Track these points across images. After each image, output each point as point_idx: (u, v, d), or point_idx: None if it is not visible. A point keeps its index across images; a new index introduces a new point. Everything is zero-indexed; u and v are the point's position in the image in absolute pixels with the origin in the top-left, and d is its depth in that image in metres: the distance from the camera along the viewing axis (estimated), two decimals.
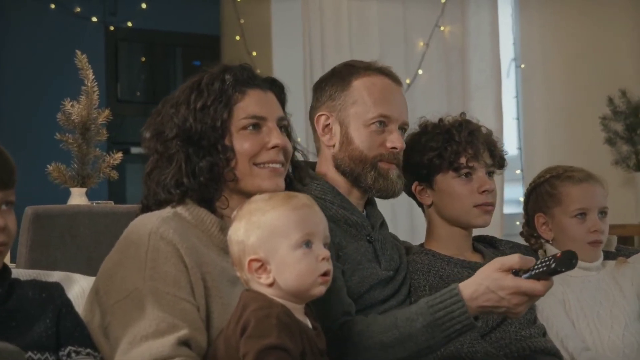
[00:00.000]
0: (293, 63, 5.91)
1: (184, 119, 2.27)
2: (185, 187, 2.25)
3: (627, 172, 4.86)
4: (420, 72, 5.47)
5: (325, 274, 2.07)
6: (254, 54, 6.20)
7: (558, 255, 2.16)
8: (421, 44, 5.63)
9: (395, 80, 2.71)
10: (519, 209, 5.19)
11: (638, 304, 2.95)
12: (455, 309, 2.26)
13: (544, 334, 2.79)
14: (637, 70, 4.93)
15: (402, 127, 2.68)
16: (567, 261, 2.15)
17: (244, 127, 2.29)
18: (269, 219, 2.07)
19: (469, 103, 5.32)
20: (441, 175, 2.80)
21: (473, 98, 5.40)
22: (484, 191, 2.77)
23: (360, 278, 2.55)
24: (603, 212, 3.00)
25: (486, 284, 2.25)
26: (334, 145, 2.66)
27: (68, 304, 2.14)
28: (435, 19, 5.59)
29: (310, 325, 2.10)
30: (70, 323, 2.10)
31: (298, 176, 2.49)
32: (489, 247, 2.95)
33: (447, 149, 2.77)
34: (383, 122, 2.63)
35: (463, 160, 2.78)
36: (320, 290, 2.08)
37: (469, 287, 2.28)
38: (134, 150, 5.83)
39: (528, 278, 2.21)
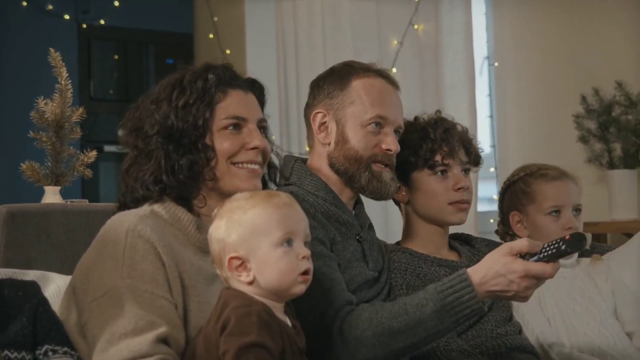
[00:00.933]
0: (267, 61, 5.89)
1: (165, 116, 2.27)
2: (164, 184, 2.25)
3: (600, 170, 4.87)
4: (394, 70, 5.46)
5: (305, 273, 2.07)
6: (228, 52, 6.18)
7: (567, 237, 2.18)
8: (395, 42, 5.62)
9: (393, 83, 2.72)
10: (493, 207, 5.21)
11: (613, 300, 2.97)
12: (465, 294, 2.29)
13: (520, 331, 2.80)
14: (610, 69, 4.94)
15: (397, 130, 2.69)
16: (577, 242, 2.16)
17: (225, 127, 2.30)
18: (250, 217, 2.07)
19: (442, 101, 5.32)
20: (417, 172, 2.81)
21: (447, 96, 5.39)
22: (459, 188, 2.79)
23: (350, 276, 2.55)
24: (577, 210, 3.02)
25: (496, 268, 2.27)
26: (329, 144, 2.66)
27: (44, 302, 2.12)
28: (409, 17, 5.58)
29: (289, 324, 2.10)
30: (47, 321, 2.08)
31: (273, 177, 2.50)
32: (464, 245, 2.96)
33: (423, 146, 2.79)
34: (379, 124, 2.64)
35: (438, 157, 2.79)
36: (300, 288, 2.08)
37: (478, 273, 2.30)
38: (107, 148, 5.81)
39: (537, 261, 2.23)
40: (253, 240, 2.06)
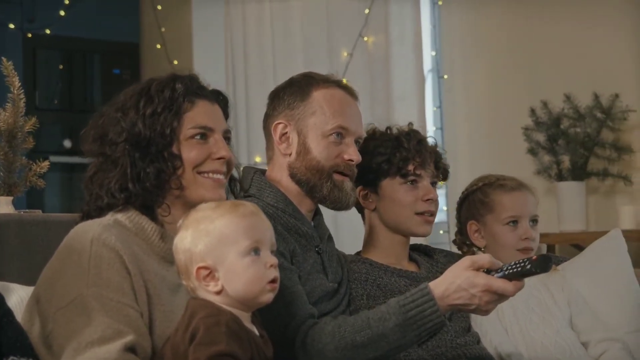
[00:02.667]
0: (215, 72, 5.86)
1: (132, 124, 2.25)
2: (130, 192, 2.23)
3: (548, 182, 4.93)
4: (344, 81, 5.47)
5: (273, 281, 2.08)
6: (175, 62, 6.16)
7: (534, 257, 2.20)
8: (345, 54, 5.64)
9: (352, 94, 2.74)
10: (442, 218, 5.26)
11: (569, 310, 3.00)
12: (427, 308, 2.30)
13: (479, 341, 2.82)
14: (558, 82, 5.00)
15: (357, 141, 2.71)
16: (543, 264, 2.18)
17: (192, 136, 2.29)
18: (217, 226, 2.07)
19: (392, 113, 5.34)
20: (388, 180, 2.83)
21: (396, 108, 5.42)
22: (428, 199, 2.81)
23: (310, 288, 2.56)
24: (534, 220, 3.06)
25: (458, 282, 2.29)
26: (290, 154, 2.67)
27: (9, 313, 2.09)
28: (359, 29, 5.61)
29: (257, 333, 2.10)
30: (12, 333, 2.05)
31: (232, 188, 2.49)
32: (423, 256, 2.98)
33: (396, 155, 2.81)
34: (341, 134, 2.66)
35: (411, 167, 2.81)
36: (268, 297, 2.08)
37: (439, 286, 2.31)
38: (53, 159, 5.74)
39: (500, 277, 2.24)
40: (220, 249, 2.06)
